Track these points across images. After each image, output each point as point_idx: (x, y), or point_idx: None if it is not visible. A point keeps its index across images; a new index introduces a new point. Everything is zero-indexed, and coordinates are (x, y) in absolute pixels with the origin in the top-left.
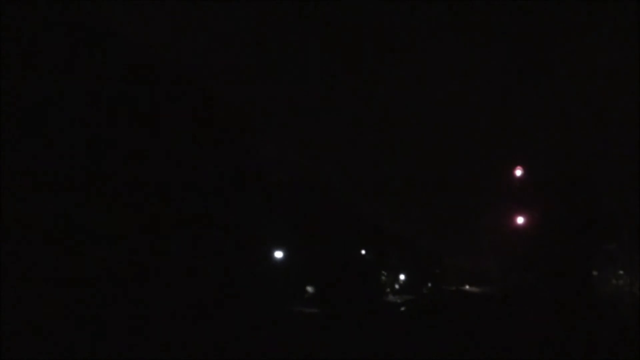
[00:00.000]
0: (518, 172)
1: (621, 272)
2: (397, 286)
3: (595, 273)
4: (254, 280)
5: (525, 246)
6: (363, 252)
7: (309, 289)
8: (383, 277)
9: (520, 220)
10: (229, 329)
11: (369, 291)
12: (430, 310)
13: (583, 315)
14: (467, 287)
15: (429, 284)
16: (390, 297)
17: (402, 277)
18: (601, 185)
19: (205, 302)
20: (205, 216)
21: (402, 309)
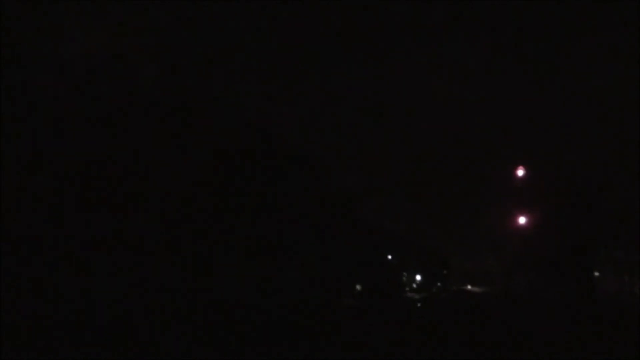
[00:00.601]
0: (520, 172)
1: (623, 272)
2: (414, 285)
3: (596, 274)
4: (323, 281)
5: (527, 246)
6: (389, 257)
7: (358, 287)
8: (404, 278)
9: (521, 220)
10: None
11: (394, 289)
12: (440, 304)
13: (584, 315)
14: (469, 287)
15: (438, 284)
16: (409, 294)
17: (418, 277)
18: (603, 186)
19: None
20: (293, 240)
21: (419, 305)
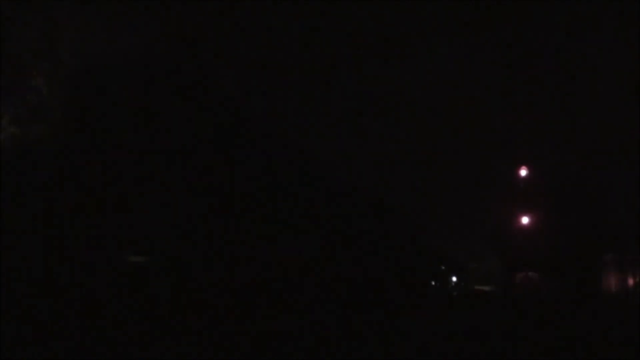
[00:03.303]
0: (522, 172)
1: (626, 273)
2: (452, 284)
3: (601, 275)
4: (420, 279)
5: (530, 246)
6: (442, 267)
7: (432, 282)
8: (448, 279)
9: (524, 220)
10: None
11: (445, 287)
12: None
13: (588, 315)
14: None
15: (462, 283)
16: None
17: (453, 279)
18: (607, 185)
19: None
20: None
21: (455, 294)
